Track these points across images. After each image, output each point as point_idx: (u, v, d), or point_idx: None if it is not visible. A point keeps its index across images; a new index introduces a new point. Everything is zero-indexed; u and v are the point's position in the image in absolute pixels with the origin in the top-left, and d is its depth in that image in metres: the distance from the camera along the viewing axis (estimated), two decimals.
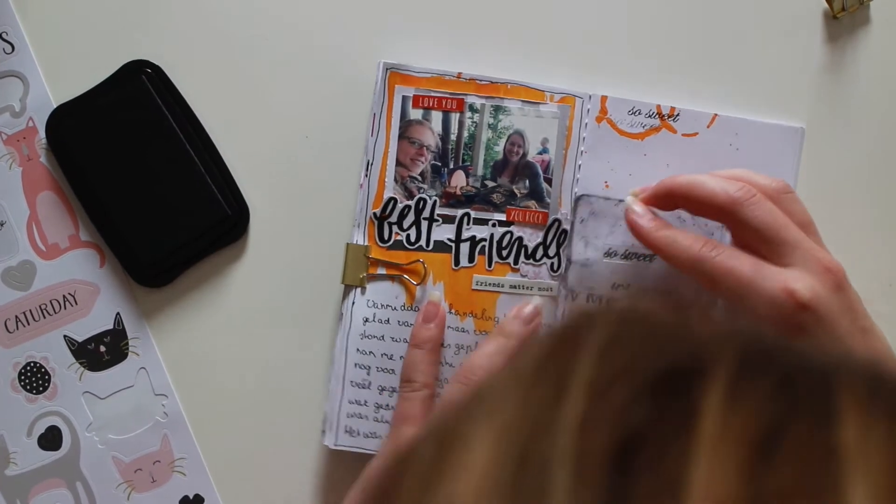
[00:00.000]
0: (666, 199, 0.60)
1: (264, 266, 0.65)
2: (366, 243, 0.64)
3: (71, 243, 0.65)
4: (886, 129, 0.65)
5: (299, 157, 0.65)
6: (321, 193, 0.65)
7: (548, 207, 0.64)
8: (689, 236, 0.57)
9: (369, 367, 0.64)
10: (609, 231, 0.64)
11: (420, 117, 0.64)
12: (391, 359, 0.64)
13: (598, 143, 0.64)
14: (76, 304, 0.65)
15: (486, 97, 0.64)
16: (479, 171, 0.64)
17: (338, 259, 0.64)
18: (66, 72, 0.66)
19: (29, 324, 0.65)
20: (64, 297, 0.65)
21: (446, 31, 0.65)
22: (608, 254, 0.64)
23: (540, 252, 0.64)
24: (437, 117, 0.64)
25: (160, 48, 0.65)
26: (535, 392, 0.26)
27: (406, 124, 0.64)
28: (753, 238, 0.56)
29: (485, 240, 0.64)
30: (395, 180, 0.64)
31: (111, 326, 0.65)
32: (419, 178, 0.64)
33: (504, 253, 0.64)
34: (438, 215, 0.64)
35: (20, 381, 0.65)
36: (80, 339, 0.65)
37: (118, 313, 0.66)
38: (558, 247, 0.64)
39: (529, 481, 0.24)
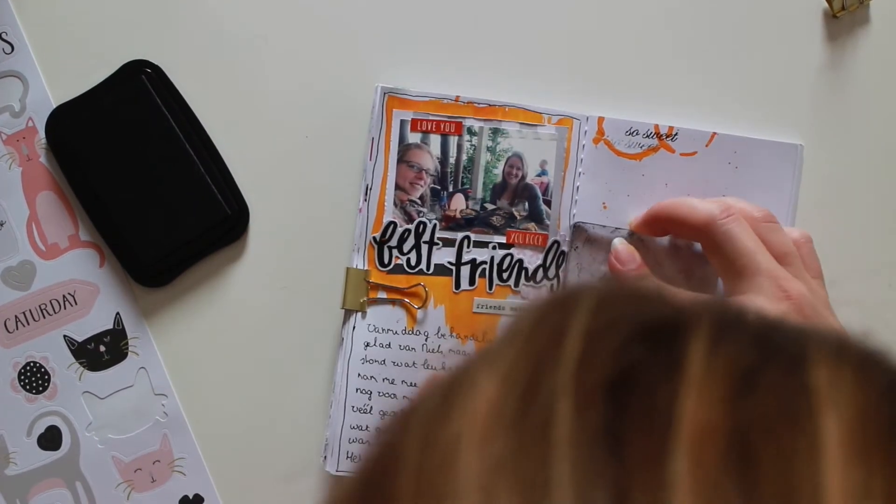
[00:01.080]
0: (654, 225, 0.62)
1: (264, 266, 0.65)
2: (366, 268, 0.64)
3: (71, 243, 0.65)
4: (886, 128, 0.65)
5: (299, 166, 0.65)
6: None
7: (547, 229, 0.64)
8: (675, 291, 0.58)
9: (370, 392, 0.64)
10: (604, 258, 0.64)
11: (418, 141, 0.64)
12: (392, 383, 0.64)
13: (596, 165, 0.64)
14: (76, 303, 0.65)
15: (485, 120, 0.64)
16: (479, 194, 0.64)
17: (336, 273, 0.64)
18: (65, 72, 0.66)
19: (29, 324, 0.65)
20: (64, 296, 0.65)
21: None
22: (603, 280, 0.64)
23: (540, 274, 0.64)
24: (435, 141, 0.64)
25: (160, 48, 0.65)
26: (535, 340, 0.28)
27: (405, 148, 0.64)
28: (723, 260, 0.57)
29: (485, 262, 0.64)
30: (395, 204, 0.64)
31: (111, 326, 0.66)
32: (419, 201, 0.64)
33: (505, 275, 0.64)
34: (438, 239, 0.64)
35: (20, 380, 0.65)
36: (79, 339, 0.65)
37: (118, 313, 0.66)
38: (558, 268, 0.64)
39: (534, 412, 0.25)
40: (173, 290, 0.66)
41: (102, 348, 0.66)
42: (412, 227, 0.64)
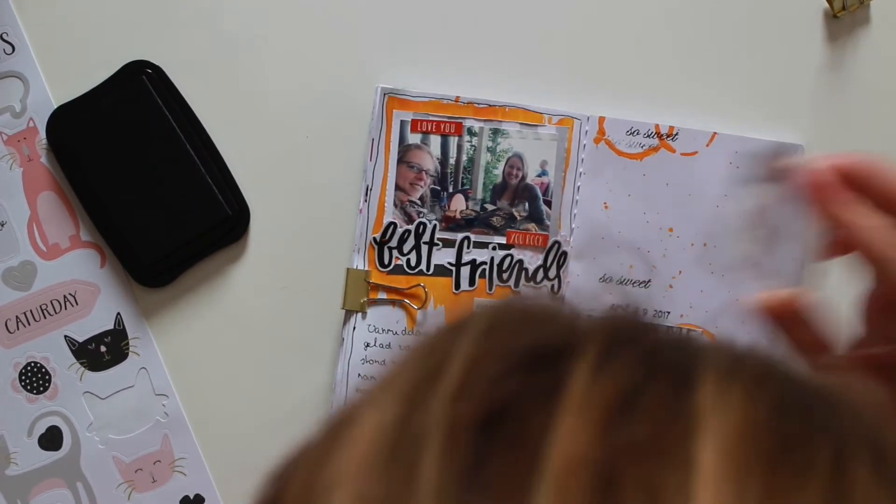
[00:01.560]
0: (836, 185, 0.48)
1: (264, 266, 0.66)
2: (366, 268, 0.64)
3: (71, 243, 0.65)
4: (886, 128, 0.66)
5: (299, 166, 0.65)
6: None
7: (548, 230, 0.64)
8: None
9: None
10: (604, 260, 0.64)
11: (419, 142, 0.64)
12: None
13: (597, 165, 0.64)
14: (77, 304, 0.65)
15: (485, 120, 0.64)
16: (479, 195, 0.64)
17: (336, 273, 0.64)
18: (66, 72, 0.66)
19: (29, 324, 0.65)
20: (64, 297, 0.65)
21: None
22: (603, 279, 0.64)
23: (540, 274, 0.64)
24: (435, 141, 0.64)
25: (160, 48, 0.65)
26: (416, 374, 0.27)
27: (405, 149, 0.64)
28: None
29: (485, 263, 0.64)
30: (395, 205, 0.64)
31: (112, 326, 0.66)
32: (419, 202, 0.64)
33: (505, 276, 0.64)
34: (438, 239, 0.64)
35: (21, 381, 0.65)
36: (80, 340, 0.65)
37: (119, 313, 0.66)
38: (558, 269, 0.64)
39: (404, 451, 0.25)
40: (174, 290, 0.66)
41: (103, 348, 0.66)
42: (412, 227, 0.64)
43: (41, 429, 0.65)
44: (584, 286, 0.64)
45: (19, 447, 0.65)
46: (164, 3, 0.65)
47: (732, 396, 0.24)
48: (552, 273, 0.64)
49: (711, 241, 0.64)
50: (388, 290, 0.64)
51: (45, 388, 0.65)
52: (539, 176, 0.64)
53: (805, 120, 0.65)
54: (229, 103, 0.65)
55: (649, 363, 0.25)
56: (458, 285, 0.64)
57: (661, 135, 0.64)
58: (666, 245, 0.64)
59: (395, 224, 0.64)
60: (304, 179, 0.65)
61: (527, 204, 0.64)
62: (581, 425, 0.23)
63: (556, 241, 0.64)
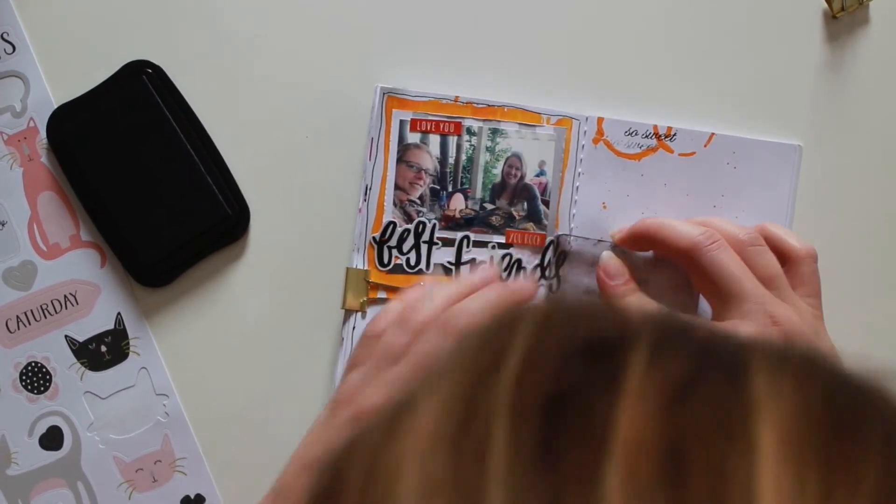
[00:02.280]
0: (638, 241, 0.62)
1: (264, 266, 0.66)
2: (366, 267, 0.64)
3: (72, 243, 0.66)
4: (886, 128, 0.65)
5: (299, 166, 0.65)
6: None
7: (545, 229, 0.64)
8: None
9: None
10: (587, 271, 0.64)
11: (418, 141, 0.64)
12: None
13: (595, 165, 0.64)
14: (77, 303, 0.66)
15: (484, 120, 0.64)
16: (478, 194, 0.64)
17: (336, 273, 0.64)
18: (66, 72, 0.66)
19: (30, 324, 0.65)
20: (65, 296, 0.65)
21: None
22: (587, 293, 0.64)
23: (538, 274, 0.64)
24: (434, 141, 0.64)
25: (161, 48, 0.65)
26: (477, 361, 0.28)
27: (404, 148, 0.64)
28: (709, 286, 0.58)
29: (484, 262, 0.64)
30: (394, 204, 0.64)
31: (112, 326, 0.66)
32: (418, 201, 0.64)
33: (504, 275, 0.64)
34: (438, 238, 0.64)
35: (21, 381, 0.65)
36: (81, 339, 0.65)
37: (119, 313, 0.66)
38: (556, 268, 0.64)
39: (471, 432, 0.26)
40: (174, 290, 0.66)
41: (104, 348, 0.66)
42: (412, 226, 0.64)
43: (42, 428, 0.65)
44: (584, 285, 0.64)
45: (20, 447, 0.65)
46: (165, 3, 0.65)
47: (784, 385, 0.26)
48: (550, 272, 0.64)
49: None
50: (387, 289, 0.64)
51: (46, 388, 0.65)
52: (537, 176, 0.64)
53: (804, 120, 0.65)
54: (229, 103, 0.65)
55: (701, 355, 0.27)
56: None
57: (660, 135, 0.64)
58: None
59: (394, 223, 0.64)
60: (303, 179, 0.65)
61: (525, 203, 0.64)
62: (645, 409, 0.25)
63: (555, 240, 0.64)
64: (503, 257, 0.64)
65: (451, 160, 0.64)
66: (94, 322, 0.66)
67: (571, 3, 0.65)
